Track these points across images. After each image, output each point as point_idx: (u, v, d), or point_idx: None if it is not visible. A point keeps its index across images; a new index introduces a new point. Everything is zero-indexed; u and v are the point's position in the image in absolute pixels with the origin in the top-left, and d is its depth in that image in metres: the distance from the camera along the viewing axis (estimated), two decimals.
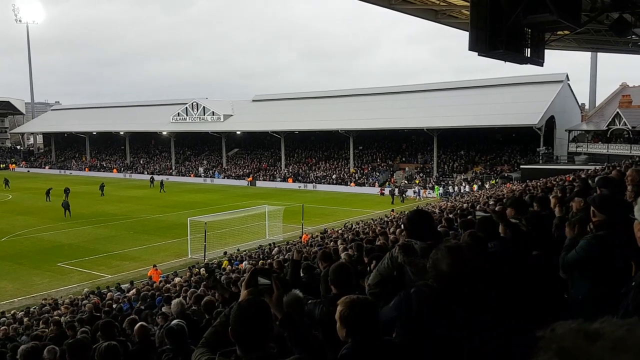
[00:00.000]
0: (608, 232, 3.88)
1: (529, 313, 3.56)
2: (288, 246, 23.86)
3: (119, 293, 17.72)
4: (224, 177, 66.17)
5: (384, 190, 51.52)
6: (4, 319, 15.68)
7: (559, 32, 14.73)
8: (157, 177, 62.68)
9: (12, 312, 17.35)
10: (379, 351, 2.66)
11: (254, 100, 76.83)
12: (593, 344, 0.66)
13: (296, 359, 2.52)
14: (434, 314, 2.99)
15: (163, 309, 9.22)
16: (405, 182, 54.14)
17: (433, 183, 52.17)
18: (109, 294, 17.52)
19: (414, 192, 49.77)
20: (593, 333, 0.68)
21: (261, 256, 21.79)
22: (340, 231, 25.51)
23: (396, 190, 49.27)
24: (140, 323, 6.73)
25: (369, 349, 2.65)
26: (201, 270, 19.48)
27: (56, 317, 13.02)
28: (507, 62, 14.26)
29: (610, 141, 44.33)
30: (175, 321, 5.59)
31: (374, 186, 54.15)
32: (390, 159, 61.48)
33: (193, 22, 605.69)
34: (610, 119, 44.65)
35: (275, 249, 23.33)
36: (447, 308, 3.02)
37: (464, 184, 49.42)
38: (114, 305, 13.71)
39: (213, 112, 71.36)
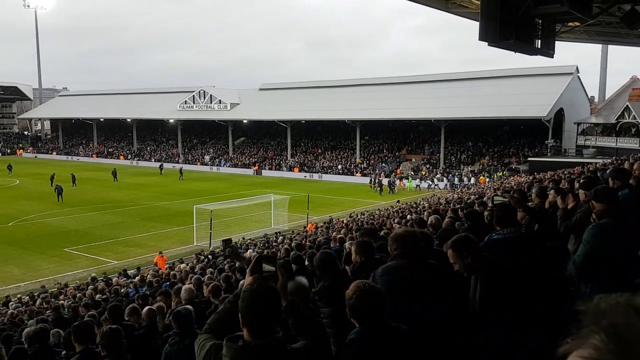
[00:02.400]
0: (610, 220, 3.88)
1: (535, 307, 3.57)
2: (293, 235, 23.91)
3: (125, 278, 17.82)
4: (230, 166, 66.25)
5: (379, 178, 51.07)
6: (11, 303, 15.84)
7: (569, 24, 14.58)
8: (176, 165, 63.45)
9: (18, 296, 17.50)
10: (386, 336, 2.69)
11: (260, 89, 76.65)
12: None
13: (304, 344, 2.54)
14: (398, 288, 3.19)
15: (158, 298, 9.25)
16: (412, 172, 54.03)
17: (441, 174, 52.06)
18: (114, 279, 17.64)
19: (391, 184, 48.54)
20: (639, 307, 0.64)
21: (266, 245, 21.86)
22: (345, 221, 25.53)
23: (385, 181, 48.96)
24: (148, 307, 6.78)
25: (376, 334, 2.69)
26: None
27: (62, 302, 13.15)
28: (516, 54, 14.14)
29: (619, 135, 43.99)
30: (182, 306, 5.63)
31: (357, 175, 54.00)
32: (397, 149, 61.31)
33: (201, 11, 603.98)
34: (619, 112, 44.28)
35: (280, 237, 23.38)
36: (411, 282, 3.35)
37: (470, 176, 49.32)
38: (122, 290, 13.81)
39: (220, 100, 71.29)
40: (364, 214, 29.03)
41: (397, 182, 50.13)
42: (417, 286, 3.37)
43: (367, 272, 4.16)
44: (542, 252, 4.63)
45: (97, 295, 13.74)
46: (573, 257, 4.08)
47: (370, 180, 50.80)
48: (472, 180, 48.30)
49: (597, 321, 0.65)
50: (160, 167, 62.71)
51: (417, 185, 49.35)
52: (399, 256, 3.60)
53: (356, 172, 56.28)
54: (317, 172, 58.96)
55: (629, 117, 43.05)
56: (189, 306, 5.43)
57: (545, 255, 4.68)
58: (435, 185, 49.59)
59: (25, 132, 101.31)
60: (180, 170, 57.91)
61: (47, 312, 11.78)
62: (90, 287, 16.21)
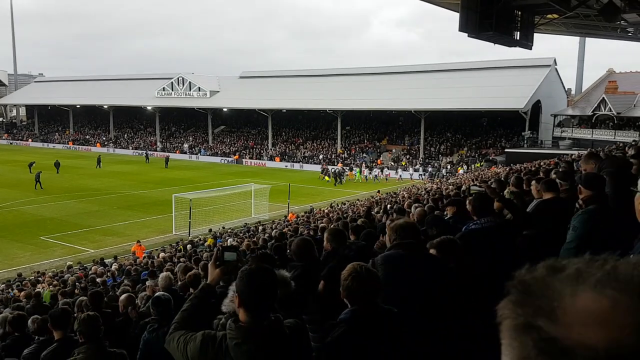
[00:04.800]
0: (597, 206, 3.97)
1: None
2: (274, 225, 23.91)
3: (102, 267, 17.66)
4: (209, 155, 65.77)
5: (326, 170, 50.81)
6: None
7: (548, 16, 14.76)
8: (161, 154, 63.19)
9: None
10: (377, 317, 2.77)
11: (241, 77, 76.03)
12: (554, 276, 0.68)
13: (294, 322, 2.65)
14: (400, 275, 3.23)
15: (147, 283, 9.22)
16: (392, 163, 54.33)
17: (419, 164, 52.49)
18: (93, 267, 17.46)
19: (339, 175, 47.69)
20: (558, 267, 0.70)
21: (247, 234, 21.82)
22: (326, 211, 25.60)
23: (334, 171, 48.62)
24: (126, 294, 6.74)
25: (368, 315, 2.76)
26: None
27: (39, 290, 12.99)
28: (495, 45, 14.28)
29: (595, 127, 44.75)
30: (161, 292, 5.61)
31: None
32: (377, 140, 61.52)
33: None
34: (595, 105, 45.02)
35: (261, 227, 23.37)
36: (411, 269, 3.35)
37: (448, 167, 49.81)
38: (98, 280, 13.69)
39: (199, 87, 70.54)
40: (344, 204, 29.14)
41: (347, 172, 50.20)
42: (417, 277, 3.39)
43: (336, 258, 4.25)
44: (519, 241, 4.70)
45: (70, 284, 13.59)
46: (566, 244, 4.15)
47: (322, 170, 50.83)
48: (428, 171, 49.27)
49: (515, 281, 0.71)
50: (146, 155, 62.47)
51: (365, 176, 49.17)
52: (397, 246, 3.59)
53: (337, 162, 56.30)
54: (298, 162, 58.89)
55: (605, 110, 43.80)
56: (167, 293, 5.41)
57: (522, 244, 4.75)
58: (386, 175, 49.54)
59: (0, 119, 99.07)
60: (167, 158, 57.85)
61: (24, 299, 11.63)
62: (67, 275, 16.05)
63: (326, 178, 47.84)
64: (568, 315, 0.63)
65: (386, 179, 48.51)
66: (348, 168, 51.89)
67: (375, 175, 49.25)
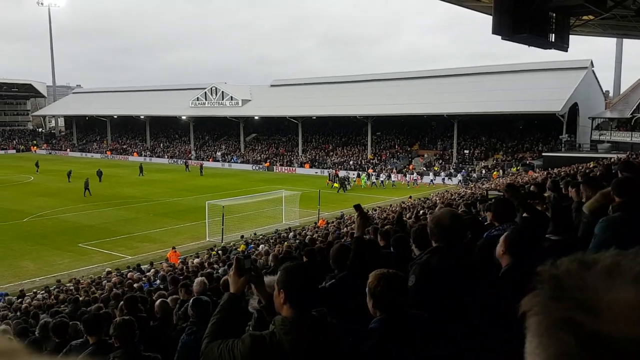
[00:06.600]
0: (622, 214, 3.83)
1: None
2: (305, 231, 23.93)
3: (139, 273, 17.98)
4: (241, 162, 66.46)
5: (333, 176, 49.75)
6: (26, 297, 16.04)
7: (584, 17, 14.43)
8: (195, 162, 65.03)
9: (34, 290, 17.72)
10: (408, 324, 2.75)
11: (272, 86, 76.68)
12: (587, 270, 0.66)
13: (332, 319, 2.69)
14: (446, 279, 3.11)
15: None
16: (424, 168, 53.82)
17: (452, 170, 51.86)
18: (129, 273, 17.78)
19: (343, 181, 46.57)
20: (589, 261, 0.68)
21: (277, 240, 21.88)
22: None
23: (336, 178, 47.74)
24: (161, 299, 6.83)
25: (398, 322, 2.74)
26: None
27: (77, 295, 13.27)
28: (529, 49, 14.01)
29: (634, 129, 43.46)
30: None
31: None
32: (409, 145, 61.05)
33: (216, 10, 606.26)
34: (634, 107, 43.76)
35: (291, 233, 23.42)
36: (454, 272, 3.18)
37: (482, 171, 49.04)
38: (135, 285, 13.94)
39: (231, 96, 71.46)
40: (375, 210, 28.96)
41: (356, 178, 49.71)
42: (462, 285, 3.13)
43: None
44: (547, 247, 4.54)
45: (108, 289, 13.85)
46: (587, 252, 4.02)
47: (329, 176, 50.29)
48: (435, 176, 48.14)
49: (545, 276, 0.69)
50: (186, 164, 63.75)
51: (372, 183, 48.55)
52: (444, 251, 3.23)
53: (368, 168, 56.06)
54: (328, 168, 58.88)
55: None
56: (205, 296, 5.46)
57: (551, 250, 4.60)
58: (393, 182, 48.76)
59: (40, 129, 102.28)
60: (201, 166, 59.35)
61: (62, 305, 11.91)
62: (105, 281, 16.38)
63: (333, 184, 47.04)
64: (611, 309, 0.61)
65: (393, 185, 47.91)
66: (355, 174, 51.62)
67: (382, 181, 48.71)
